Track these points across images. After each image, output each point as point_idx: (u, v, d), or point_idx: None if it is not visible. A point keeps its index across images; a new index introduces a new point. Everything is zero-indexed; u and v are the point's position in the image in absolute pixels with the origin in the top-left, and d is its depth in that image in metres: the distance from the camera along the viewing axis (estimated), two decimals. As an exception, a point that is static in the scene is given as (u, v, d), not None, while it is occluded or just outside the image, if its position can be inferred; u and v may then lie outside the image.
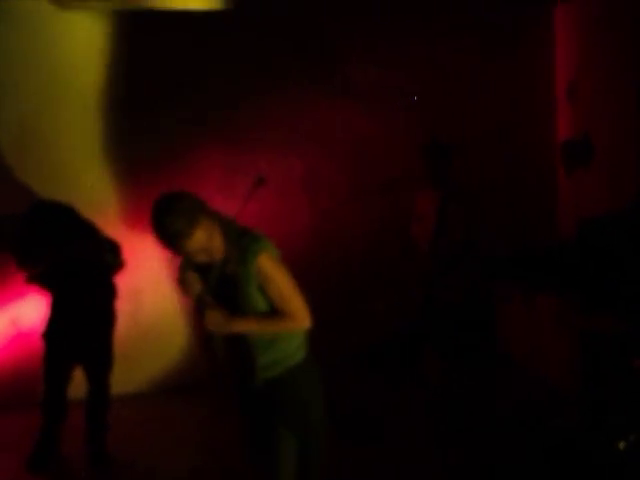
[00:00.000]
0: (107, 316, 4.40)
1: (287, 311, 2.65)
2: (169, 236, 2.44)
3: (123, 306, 4.63)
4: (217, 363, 2.84)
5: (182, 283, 2.71)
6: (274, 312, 2.68)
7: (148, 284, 5.59)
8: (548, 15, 6.28)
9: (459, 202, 4.57)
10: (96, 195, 5.45)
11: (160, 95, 5.55)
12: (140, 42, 5.50)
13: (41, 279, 4.24)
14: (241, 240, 2.61)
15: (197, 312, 2.70)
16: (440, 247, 4.59)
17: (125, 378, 5.21)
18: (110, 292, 4.42)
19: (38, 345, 4.30)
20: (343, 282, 5.84)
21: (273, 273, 2.61)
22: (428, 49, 5.99)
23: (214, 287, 2.65)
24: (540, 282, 5.13)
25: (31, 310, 5.20)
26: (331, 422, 2.86)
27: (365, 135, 5.90)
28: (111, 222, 5.12)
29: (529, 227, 6.11)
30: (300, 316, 2.68)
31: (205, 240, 2.50)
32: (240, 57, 5.65)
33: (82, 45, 5.45)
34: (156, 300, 5.63)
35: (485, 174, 5.88)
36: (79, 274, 4.22)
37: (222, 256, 2.61)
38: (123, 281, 4.55)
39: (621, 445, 3.59)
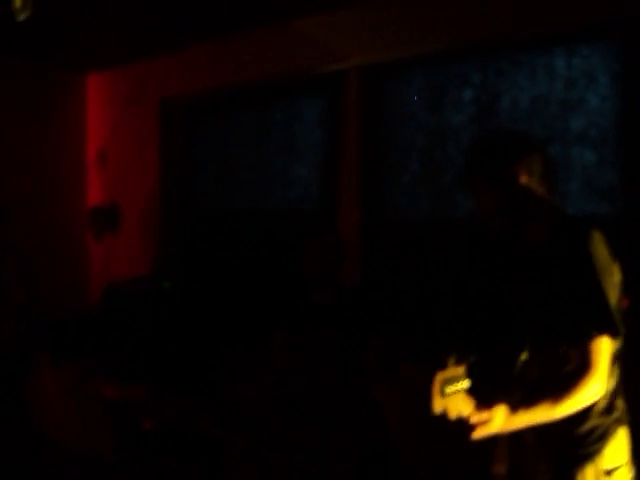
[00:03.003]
0: None
1: None
2: None
3: None
4: None
5: None
6: None
7: None
8: (80, 82, 6.36)
9: (13, 260, 4.79)
10: None
11: None
12: None
13: None
14: None
15: None
16: None
17: None
18: None
19: None
20: None
21: None
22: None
23: None
24: (67, 350, 5.02)
25: None
26: None
27: None
28: None
29: (65, 292, 5.96)
30: None
31: None
32: None
33: None
34: None
35: (18, 238, 5.60)
36: None
37: None
38: None
39: None
